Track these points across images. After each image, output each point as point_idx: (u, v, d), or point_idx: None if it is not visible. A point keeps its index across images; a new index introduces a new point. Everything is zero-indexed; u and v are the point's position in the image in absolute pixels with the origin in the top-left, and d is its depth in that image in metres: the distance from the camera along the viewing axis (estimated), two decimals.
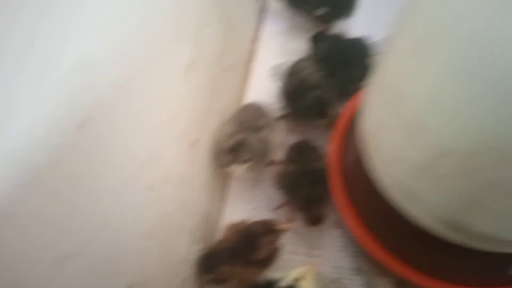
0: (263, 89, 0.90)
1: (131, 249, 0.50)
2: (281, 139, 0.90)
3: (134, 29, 0.45)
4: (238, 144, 0.71)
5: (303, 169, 0.75)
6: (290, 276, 0.63)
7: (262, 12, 1.04)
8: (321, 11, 0.86)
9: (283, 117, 0.90)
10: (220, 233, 0.75)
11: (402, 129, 0.46)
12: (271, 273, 0.74)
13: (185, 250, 0.67)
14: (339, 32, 0.91)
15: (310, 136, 0.89)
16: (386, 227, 0.69)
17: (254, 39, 1.01)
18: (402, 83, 0.44)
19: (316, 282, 0.62)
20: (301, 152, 0.79)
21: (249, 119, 0.77)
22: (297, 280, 0.62)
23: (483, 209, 0.43)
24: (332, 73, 0.78)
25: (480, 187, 0.40)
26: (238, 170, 0.74)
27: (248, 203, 0.87)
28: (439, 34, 0.39)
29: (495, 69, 0.34)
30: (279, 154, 0.82)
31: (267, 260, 0.70)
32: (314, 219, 0.72)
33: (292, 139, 0.86)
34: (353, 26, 0.94)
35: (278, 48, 0.99)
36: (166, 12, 0.53)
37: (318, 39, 0.89)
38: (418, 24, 0.43)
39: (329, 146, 0.78)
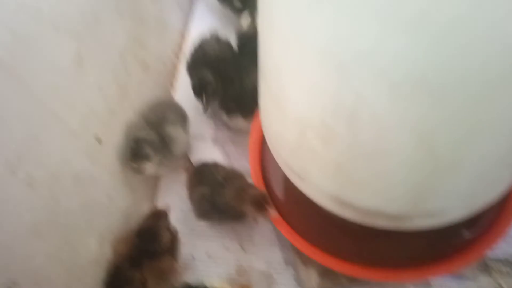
0: None
1: (12, 246, 0.48)
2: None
3: None
4: (135, 144, 0.69)
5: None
6: (212, 283, 0.61)
7: (190, 9, 1.04)
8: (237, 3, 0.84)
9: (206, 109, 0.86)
10: None
11: (274, 104, 0.46)
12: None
13: (96, 252, 0.64)
14: None
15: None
16: (304, 216, 0.68)
17: (183, 36, 1.00)
18: (264, 59, 0.45)
19: None
20: None
21: (158, 115, 0.75)
22: None
23: (353, 181, 0.42)
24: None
25: (341, 158, 0.40)
26: (147, 168, 0.72)
27: (182, 202, 0.86)
28: None
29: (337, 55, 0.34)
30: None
31: (171, 247, 0.68)
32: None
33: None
34: None
35: None
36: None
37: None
38: None
39: (249, 146, 0.76)
